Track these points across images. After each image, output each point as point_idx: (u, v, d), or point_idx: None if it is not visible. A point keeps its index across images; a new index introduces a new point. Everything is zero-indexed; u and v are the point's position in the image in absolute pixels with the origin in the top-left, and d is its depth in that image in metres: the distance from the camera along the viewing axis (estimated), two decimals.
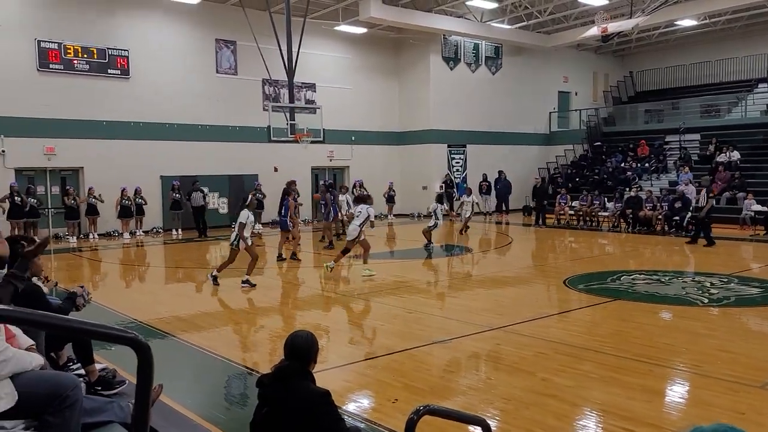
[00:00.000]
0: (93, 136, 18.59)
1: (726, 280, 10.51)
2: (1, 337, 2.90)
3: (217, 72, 21.11)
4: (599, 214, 20.30)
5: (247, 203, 10.68)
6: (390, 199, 24.48)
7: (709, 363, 6.08)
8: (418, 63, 25.16)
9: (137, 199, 18.92)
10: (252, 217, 10.57)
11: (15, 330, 3.23)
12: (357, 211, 11.78)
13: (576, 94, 30.12)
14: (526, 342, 6.91)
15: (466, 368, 6.27)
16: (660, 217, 18.06)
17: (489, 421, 3.51)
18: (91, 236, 18.24)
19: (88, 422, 3.18)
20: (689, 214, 17.23)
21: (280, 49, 17.82)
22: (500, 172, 25.53)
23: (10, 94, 17.19)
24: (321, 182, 22.03)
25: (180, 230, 19.25)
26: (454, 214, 22.03)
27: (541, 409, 4.93)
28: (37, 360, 3.08)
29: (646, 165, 23.82)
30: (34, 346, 3.33)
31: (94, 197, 18.09)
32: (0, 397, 2.80)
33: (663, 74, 30.54)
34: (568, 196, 21.52)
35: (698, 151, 23.63)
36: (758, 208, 17.79)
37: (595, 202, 20.52)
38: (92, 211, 18.21)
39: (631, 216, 18.78)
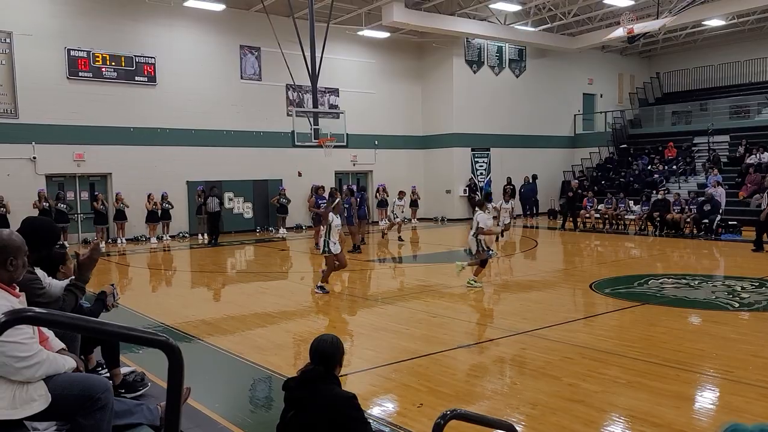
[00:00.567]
0: (121, 143, 18.92)
1: (757, 284, 10.30)
2: (36, 339, 2.96)
3: (242, 78, 21.34)
4: (625, 217, 20.04)
5: (334, 205, 10.34)
6: (413, 203, 24.48)
7: (741, 368, 5.96)
8: (441, 66, 25.13)
9: (164, 204, 19.18)
10: (338, 220, 10.25)
11: (48, 333, 3.30)
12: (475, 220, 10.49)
13: (601, 96, 29.81)
14: (552, 346, 6.85)
15: (491, 373, 6.23)
16: (688, 220, 17.77)
17: (516, 426, 3.49)
18: (119, 241, 18.55)
19: (118, 424, 3.23)
20: (719, 217, 16.93)
21: (304, 55, 17.94)
22: (534, 176, 25.51)
23: (41, 102, 17.59)
24: (345, 186, 22.17)
25: (206, 234, 19.45)
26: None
27: (568, 415, 4.88)
28: (69, 363, 3.14)
29: (674, 167, 23.47)
30: (65, 349, 3.39)
31: (123, 203, 18.40)
32: (34, 398, 2.86)
33: (690, 75, 30.09)
34: (595, 200, 21.29)
35: (728, 153, 23.22)
36: None
37: (620, 205, 20.27)
38: (120, 216, 18.53)
39: (658, 219, 18.51)
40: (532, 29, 24.60)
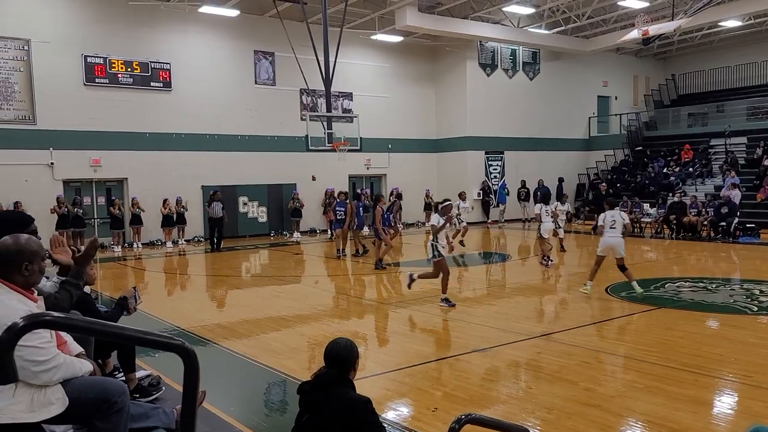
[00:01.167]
0: (137, 148, 19.10)
1: None
2: (53, 343, 2.99)
3: (256, 83, 21.46)
4: (642, 220, 19.87)
5: (443, 206, 9.53)
6: (427, 207, 24.44)
7: (761, 373, 5.88)
8: (454, 70, 25.11)
9: (179, 209, 19.31)
10: (442, 220, 9.34)
11: (66, 337, 3.32)
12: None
13: (616, 98, 29.62)
14: (568, 350, 6.80)
15: (506, 377, 6.20)
16: (705, 222, 17.58)
17: (531, 431, 3.46)
18: (135, 245, 18.70)
19: (134, 428, 3.25)
20: (736, 219, 16.73)
21: (318, 59, 18.00)
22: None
23: (59, 109, 17.80)
24: (357, 190, 22.22)
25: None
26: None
27: (584, 420, 4.83)
28: (86, 366, 3.16)
29: (690, 170, 23.25)
30: (84, 353, 3.42)
31: (139, 207, 18.55)
32: (51, 402, 2.89)
33: (707, 76, 29.79)
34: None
35: (745, 155, 22.96)
36: None
37: (635, 209, 20.09)
38: (136, 221, 18.68)
39: (674, 222, 18.34)
40: (546, 32, 24.50)
